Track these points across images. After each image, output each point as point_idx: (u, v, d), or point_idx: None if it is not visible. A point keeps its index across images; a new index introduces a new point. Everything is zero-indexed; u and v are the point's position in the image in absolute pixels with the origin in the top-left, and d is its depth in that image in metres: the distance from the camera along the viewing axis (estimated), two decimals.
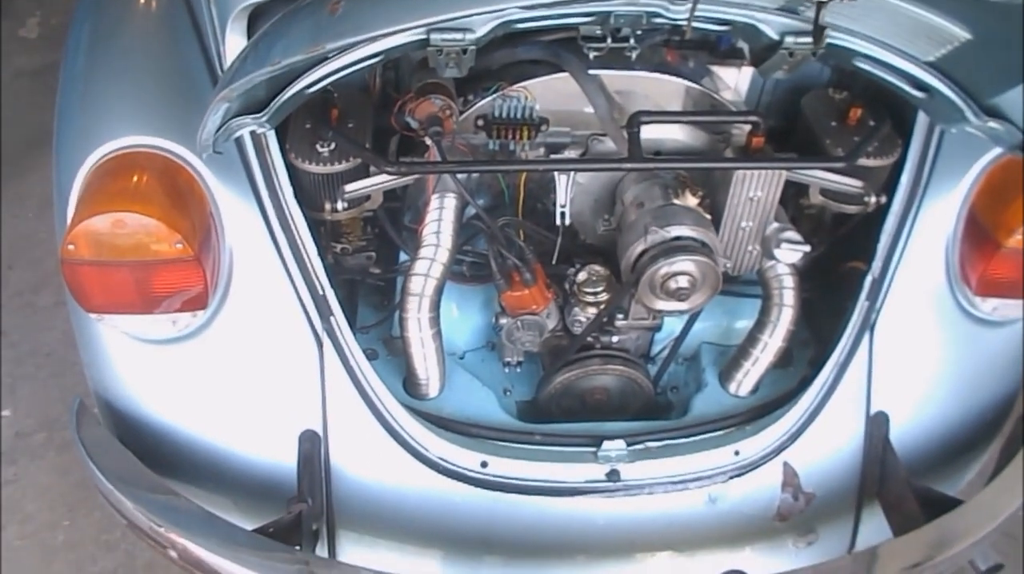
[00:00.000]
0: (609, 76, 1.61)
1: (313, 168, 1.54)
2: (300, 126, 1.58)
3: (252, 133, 1.47)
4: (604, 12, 1.40)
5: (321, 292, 1.54)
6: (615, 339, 1.75)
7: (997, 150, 1.58)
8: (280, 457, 1.56)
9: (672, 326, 1.81)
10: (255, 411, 1.58)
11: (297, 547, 1.46)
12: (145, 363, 1.59)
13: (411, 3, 0.96)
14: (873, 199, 1.63)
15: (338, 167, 1.54)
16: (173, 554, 1.41)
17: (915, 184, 1.63)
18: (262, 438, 1.58)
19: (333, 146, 1.55)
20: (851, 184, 1.63)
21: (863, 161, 1.61)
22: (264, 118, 1.32)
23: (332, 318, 1.54)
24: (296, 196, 1.53)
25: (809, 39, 1.39)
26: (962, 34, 1.30)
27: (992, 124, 1.42)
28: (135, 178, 1.45)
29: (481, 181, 1.69)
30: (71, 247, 1.39)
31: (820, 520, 1.68)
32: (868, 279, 1.64)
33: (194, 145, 1.34)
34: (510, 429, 1.66)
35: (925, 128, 1.64)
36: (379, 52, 1.31)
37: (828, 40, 1.40)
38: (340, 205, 1.55)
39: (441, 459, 1.57)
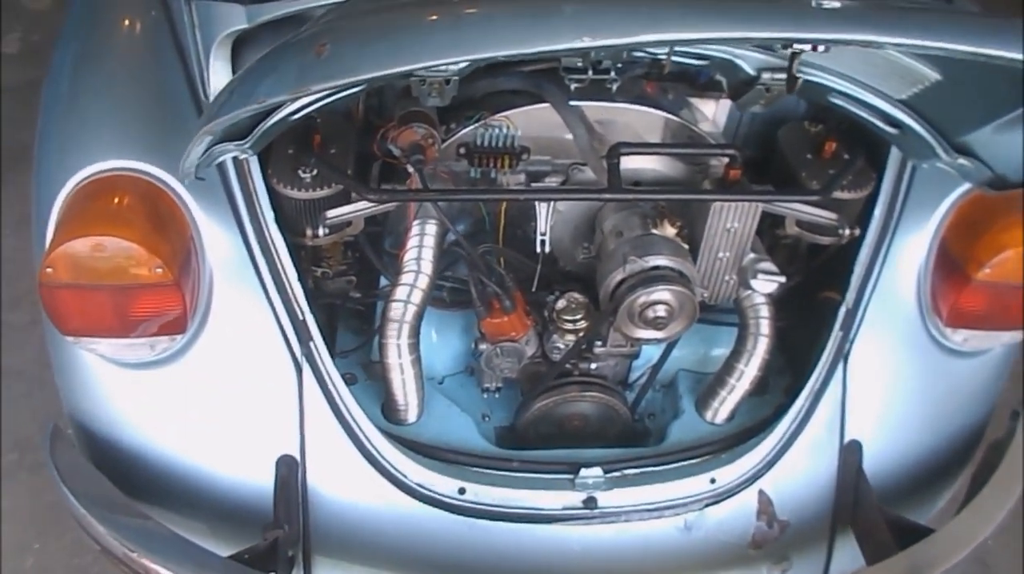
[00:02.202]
0: (590, 107, 1.64)
1: (295, 194, 1.55)
2: (283, 152, 1.59)
3: (234, 159, 1.48)
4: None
5: (301, 317, 1.54)
6: (593, 366, 1.77)
7: (967, 185, 1.62)
8: (257, 482, 1.55)
9: (650, 353, 1.83)
10: (232, 436, 1.57)
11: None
12: (122, 387, 1.58)
13: (397, 47, 0.97)
14: (847, 231, 1.66)
15: (320, 193, 1.55)
16: None
17: (888, 217, 1.67)
18: (239, 463, 1.57)
19: (315, 172, 1.55)
20: (826, 216, 1.66)
21: (838, 194, 1.64)
22: (247, 144, 1.33)
23: (311, 343, 1.54)
24: (277, 221, 1.53)
25: (785, 75, 1.43)
26: (933, 75, 1.34)
27: (961, 161, 1.46)
28: (116, 201, 1.45)
29: (462, 208, 1.70)
30: (49, 270, 1.39)
31: (794, 548, 1.69)
32: (842, 309, 1.67)
33: (176, 170, 1.34)
34: (488, 455, 1.67)
35: (898, 163, 1.67)
36: (362, 81, 1.32)
37: (803, 77, 1.44)
38: (321, 231, 1.55)
39: (419, 485, 1.57)
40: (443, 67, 1.26)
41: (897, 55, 1.31)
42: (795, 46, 1.18)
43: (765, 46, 1.39)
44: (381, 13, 1.09)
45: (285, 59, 1.11)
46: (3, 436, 2.43)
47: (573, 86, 1.59)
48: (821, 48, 1.05)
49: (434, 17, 1.00)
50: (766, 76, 1.43)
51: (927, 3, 1.41)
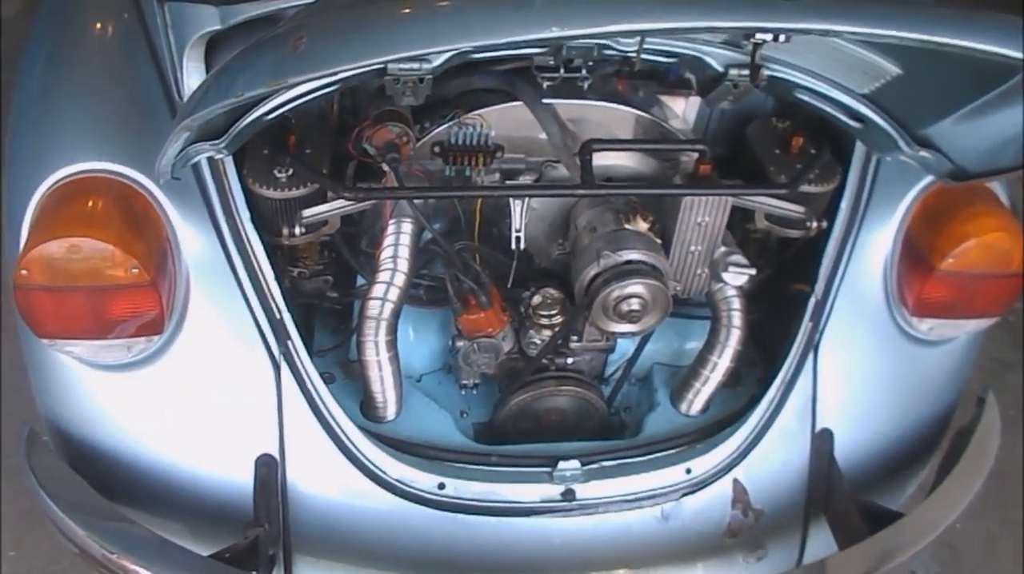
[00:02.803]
0: (562, 105, 1.66)
1: (271, 194, 1.56)
2: (258, 152, 1.59)
3: (210, 159, 1.48)
4: (557, 43, 1.45)
5: (278, 316, 1.54)
6: (569, 361, 1.78)
7: (931, 178, 1.66)
8: (236, 482, 1.55)
9: (625, 347, 1.85)
10: (211, 435, 1.57)
11: (253, 572, 1.45)
12: (99, 389, 1.57)
13: (372, 39, 0.99)
14: (814, 224, 1.69)
15: (295, 192, 1.56)
16: None
17: (854, 210, 1.70)
18: (218, 463, 1.57)
19: (291, 172, 1.56)
20: (793, 209, 1.69)
21: (805, 187, 1.67)
22: (222, 144, 1.34)
23: (289, 342, 1.55)
24: (253, 221, 1.54)
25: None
26: (893, 69, 1.37)
27: (923, 153, 1.50)
28: (90, 203, 1.45)
29: (438, 206, 1.71)
30: (24, 272, 1.38)
31: (769, 536, 1.72)
32: (811, 301, 1.70)
33: (151, 171, 1.35)
34: (467, 451, 1.68)
35: (863, 157, 1.71)
36: (337, 81, 1.34)
37: (769, 73, 1.47)
38: (298, 230, 1.56)
39: (399, 482, 1.58)
40: (417, 64, 1.28)
41: (859, 50, 1.34)
42: (757, 36, 1.22)
43: (731, 42, 1.42)
44: (356, 8, 1.10)
45: (261, 54, 1.12)
46: None
47: (545, 84, 1.61)
48: (782, 38, 1.08)
49: (408, 10, 1.02)
50: (733, 72, 1.46)
51: None
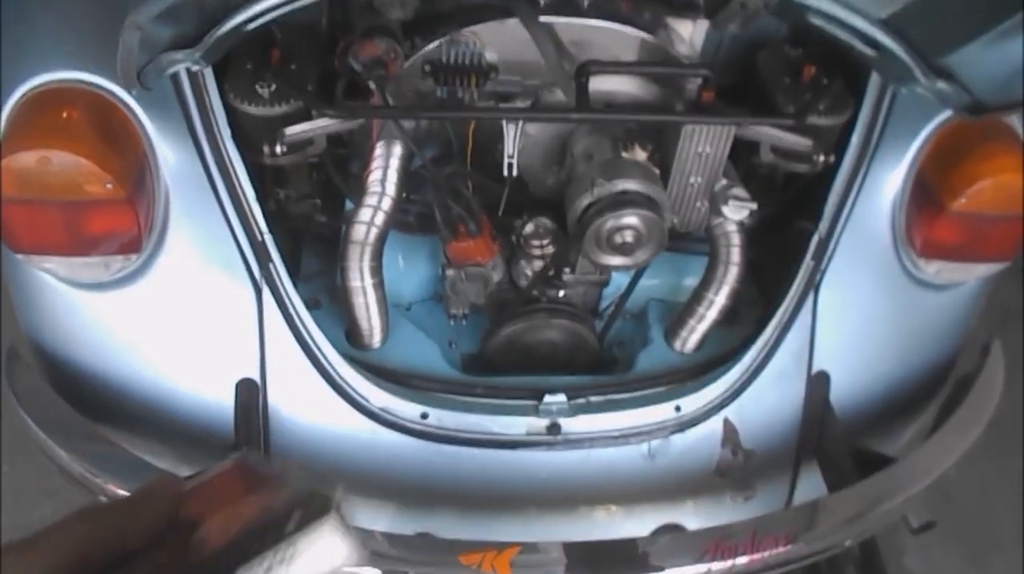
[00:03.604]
0: (561, 24, 1.58)
1: (252, 110, 1.50)
2: (240, 66, 1.53)
3: (188, 71, 1.42)
4: None
5: (260, 238, 1.50)
6: (561, 293, 1.74)
7: (948, 113, 1.58)
8: (217, 404, 1.53)
9: (621, 281, 1.80)
10: (191, 358, 1.55)
11: None
12: (78, 308, 1.54)
13: None
14: (822, 158, 1.62)
15: (278, 110, 1.50)
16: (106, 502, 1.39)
17: (865, 145, 1.62)
18: (199, 385, 1.55)
19: (273, 87, 1.50)
20: (801, 142, 1.62)
21: (813, 119, 1.60)
22: (197, 54, 1.27)
23: (271, 265, 1.51)
24: (235, 138, 1.48)
25: None
26: None
27: (941, 84, 1.41)
28: (64, 114, 1.39)
29: (429, 129, 1.65)
30: None
31: (758, 476, 1.70)
32: (814, 239, 1.64)
33: None
34: (453, 381, 1.65)
35: (877, 89, 1.62)
36: None
37: None
38: (279, 149, 1.50)
39: (381, 409, 1.55)
40: None
41: None
42: None
43: None
44: None
45: None
46: None
47: (543, 1, 1.53)
48: None
49: None
50: None
51: None
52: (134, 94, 1.38)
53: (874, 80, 1.62)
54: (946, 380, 1.83)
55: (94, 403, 1.56)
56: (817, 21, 1.46)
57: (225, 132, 1.47)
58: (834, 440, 1.64)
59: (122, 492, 1.40)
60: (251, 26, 1.30)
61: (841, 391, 1.68)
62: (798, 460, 1.71)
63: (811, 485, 1.70)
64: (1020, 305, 2.93)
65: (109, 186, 1.36)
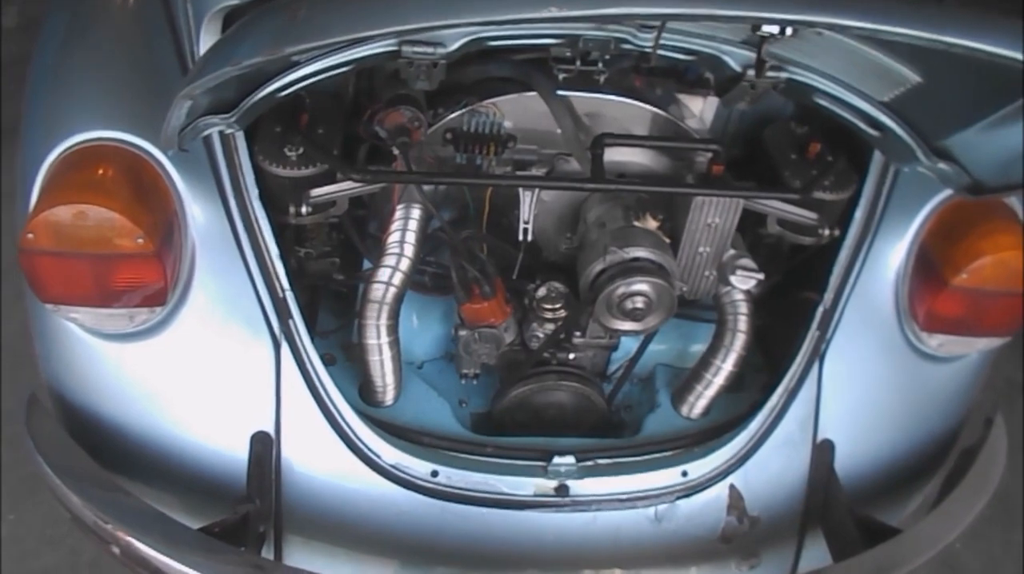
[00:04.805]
0: (577, 98, 1.65)
1: (280, 171, 1.55)
2: (270, 129, 1.59)
3: (221, 134, 1.48)
4: (574, 35, 1.44)
5: (281, 295, 1.54)
6: (571, 356, 1.78)
7: (949, 191, 1.63)
8: (231, 457, 1.55)
9: (629, 346, 1.84)
10: (208, 410, 1.58)
11: (242, 548, 1.46)
12: (100, 358, 1.58)
13: (368, 11, 0.99)
14: (827, 231, 1.67)
15: (305, 172, 1.56)
16: (116, 551, 1.40)
17: (869, 219, 1.68)
18: (214, 437, 1.57)
19: (301, 151, 1.56)
20: (806, 216, 1.67)
21: (819, 194, 1.65)
22: (233, 119, 1.34)
23: (291, 321, 1.55)
24: (262, 198, 1.54)
25: (771, 72, 1.44)
26: (914, 77, 1.35)
27: (941, 165, 1.47)
28: (100, 171, 1.45)
29: (447, 194, 1.71)
30: (31, 236, 1.39)
31: (763, 544, 1.70)
32: (820, 309, 1.68)
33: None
34: (463, 440, 1.67)
35: (880, 166, 1.68)
36: (350, 61, 1.33)
37: (787, 75, 1.45)
38: (304, 209, 1.56)
39: (392, 466, 1.57)
40: (430, 48, 1.27)
41: (878, 55, 1.32)
42: (763, 29, 1.20)
43: (748, 41, 1.40)
44: None
45: (262, 23, 1.12)
46: None
47: (561, 76, 1.60)
48: (789, 31, 1.06)
49: None
50: (751, 73, 1.44)
51: None
52: (170, 154, 1.44)
53: (877, 157, 1.68)
54: (950, 451, 1.85)
55: (110, 451, 1.59)
56: (822, 101, 1.53)
57: (253, 192, 1.53)
58: (839, 509, 1.65)
59: (133, 541, 1.41)
60: (284, 93, 1.36)
61: (846, 460, 1.69)
62: (803, 528, 1.71)
63: (816, 554, 1.70)
64: (1023, 379, 2.95)
65: (140, 240, 1.41)
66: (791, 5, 0.91)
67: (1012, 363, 2.93)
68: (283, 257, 1.56)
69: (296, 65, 1.29)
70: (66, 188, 1.42)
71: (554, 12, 0.89)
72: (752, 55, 1.42)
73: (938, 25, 0.92)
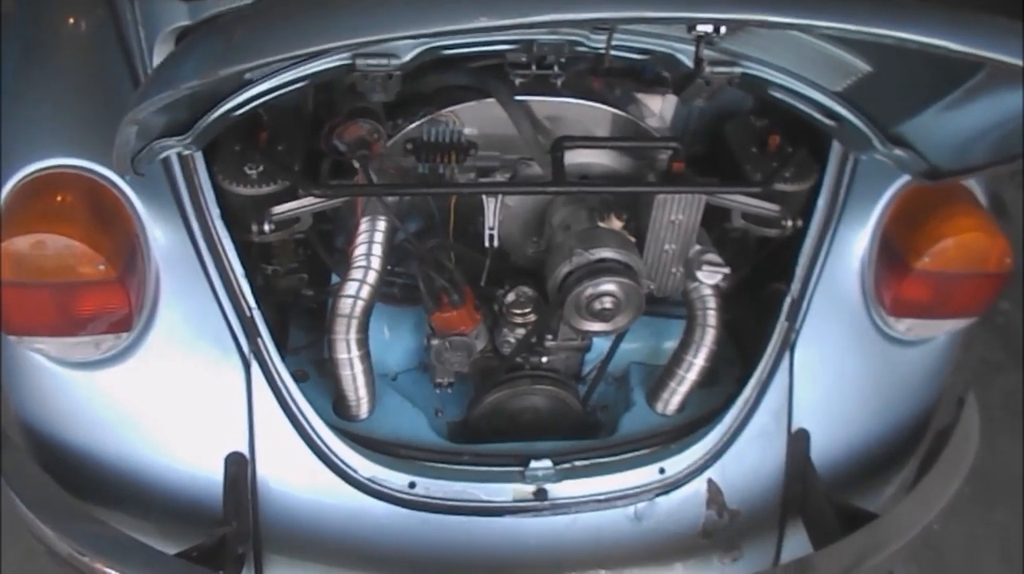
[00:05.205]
0: (536, 102, 1.65)
1: (241, 190, 1.55)
2: (229, 148, 1.59)
3: (179, 155, 1.48)
4: (527, 40, 1.45)
5: (248, 314, 1.54)
6: (544, 359, 1.78)
7: (907, 177, 1.65)
8: (206, 480, 1.54)
9: (602, 346, 1.84)
10: (181, 433, 1.56)
11: (220, 572, 1.45)
12: (68, 387, 1.56)
13: (298, 30, 0.99)
14: (790, 223, 1.68)
15: (266, 189, 1.55)
16: None
17: (831, 209, 1.69)
18: (188, 460, 1.56)
19: (261, 168, 1.55)
20: (769, 208, 1.68)
21: (780, 186, 1.67)
22: (188, 140, 1.33)
23: (260, 339, 1.54)
24: (224, 218, 1.53)
25: (725, 68, 1.45)
26: (864, 67, 1.36)
27: (898, 152, 1.49)
28: (58, 199, 1.44)
29: (411, 204, 1.71)
30: None
31: (744, 536, 1.71)
32: (787, 300, 1.69)
33: None
34: (439, 449, 1.67)
35: (840, 155, 1.70)
36: (304, 76, 1.33)
37: (742, 70, 1.46)
38: (267, 227, 1.55)
39: (369, 480, 1.57)
40: (384, 60, 1.27)
41: (828, 47, 1.34)
42: (698, 28, 1.21)
43: (704, 39, 1.41)
44: (294, 2, 1.10)
45: (200, 46, 1.12)
46: None
47: (518, 81, 1.61)
48: (723, 30, 1.07)
49: (338, 2, 1.01)
50: (705, 70, 1.45)
51: None
52: (127, 179, 1.43)
53: (836, 147, 1.70)
54: (924, 434, 1.86)
55: (83, 480, 1.57)
56: (777, 94, 1.54)
57: (214, 212, 1.52)
58: (817, 497, 1.66)
59: (110, 571, 1.40)
60: (239, 112, 1.36)
61: (821, 448, 1.70)
62: (783, 518, 1.72)
63: (797, 543, 1.71)
64: (999, 358, 2.99)
65: (101, 267, 1.39)
66: (717, 4, 0.92)
67: (986, 343, 2.97)
68: (248, 276, 1.55)
69: (249, 83, 1.29)
70: (24, 217, 1.41)
71: (484, 22, 0.89)
72: (706, 52, 1.43)
73: (867, 17, 0.93)
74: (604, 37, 1.42)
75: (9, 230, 1.39)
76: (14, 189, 1.46)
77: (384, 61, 1.32)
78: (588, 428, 1.82)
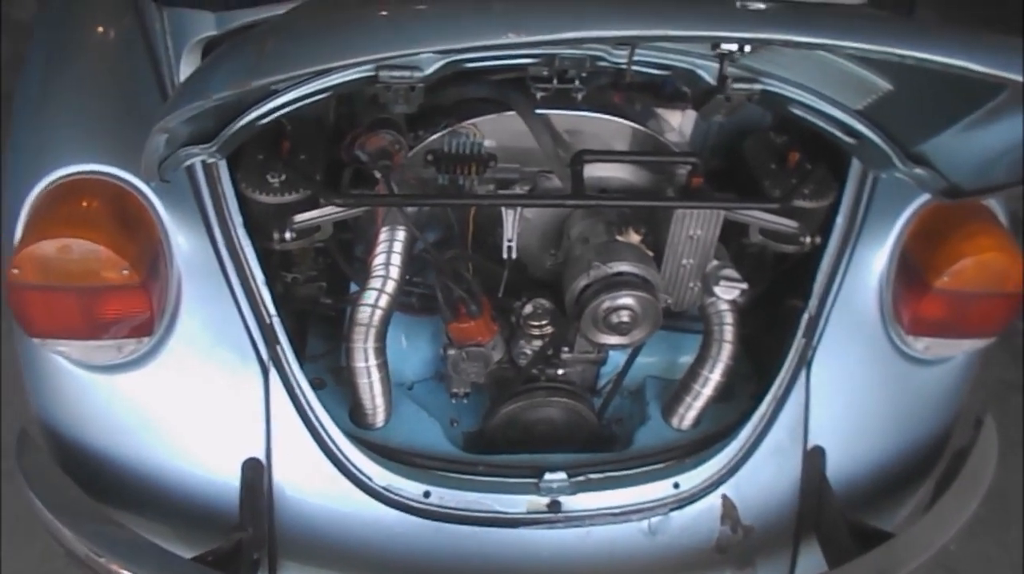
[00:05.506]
0: (557, 116, 1.66)
1: (263, 198, 1.56)
2: (252, 156, 1.60)
3: (203, 163, 1.50)
4: (549, 55, 1.46)
5: (268, 321, 1.55)
6: (560, 372, 1.78)
7: (927, 195, 1.65)
8: (223, 485, 1.55)
9: (618, 359, 1.84)
10: (199, 438, 1.58)
11: None
12: (89, 390, 1.58)
13: (329, 44, 1.00)
14: (809, 239, 1.68)
15: (288, 198, 1.57)
16: None
17: (850, 226, 1.69)
18: (205, 466, 1.57)
19: (283, 177, 1.57)
20: (787, 224, 1.68)
21: (799, 203, 1.67)
22: (213, 148, 1.35)
23: (279, 346, 1.55)
24: (246, 225, 1.55)
25: (745, 84, 1.46)
26: (885, 85, 1.37)
27: (918, 170, 1.49)
28: (84, 204, 1.46)
29: (431, 214, 1.72)
30: (16, 271, 1.40)
31: (758, 553, 1.71)
32: (805, 316, 1.69)
33: None
34: (454, 459, 1.68)
35: (859, 173, 1.70)
36: (328, 87, 1.35)
37: (763, 87, 1.47)
38: (289, 235, 1.57)
39: (384, 488, 1.57)
40: (407, 72, 1.29)
41: (850, 65, 1.34)
42: (723, 46, 1.22)
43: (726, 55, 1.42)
44: (324, 15, 1.12)
45: (231, 57, 1.13)
46: None
47: (539, 95, 1.62)
48: (747, 48, 1.08)
49: (368, 17, 1.03)
50: (731, 86, 1.46)
51: (852, 7, 1.44)
52: (152, 186, 1.45)
53: (856, 164, 1.70)
54: (941, 454, 1.85)
55: (102, 483, 1.58)
56: (798, 111, 1.55)
57: (237, 219, 1.54)
58: (832, 515, 1.65)
59: (124, 572, 1.41)
60: (264, 121, 1.37)
61: (837, 466, 1.70)
62: (798, 536, 1.71)
63: (811, 561, 1.70)
64: (1017, 378, 2.96)
65: (125, 272, 1.41)
66: (742, 24, 0.93)
67: (1003, 363, 2.94)
68: (269, 283, 1.56)
69: (274, 93, 1.31)
70: (51, 222, 1.43)
71: (512, 39, 0.90)
72: (729, 70, 1.44)
73: (890, 38, 0.94)
74: (626, 52, 1.43)
75: (35, 234, 1.41)
76: (41, 194, 1.48)
77: (407, 73, 1.34)
78: (603, 441, 1.82)
